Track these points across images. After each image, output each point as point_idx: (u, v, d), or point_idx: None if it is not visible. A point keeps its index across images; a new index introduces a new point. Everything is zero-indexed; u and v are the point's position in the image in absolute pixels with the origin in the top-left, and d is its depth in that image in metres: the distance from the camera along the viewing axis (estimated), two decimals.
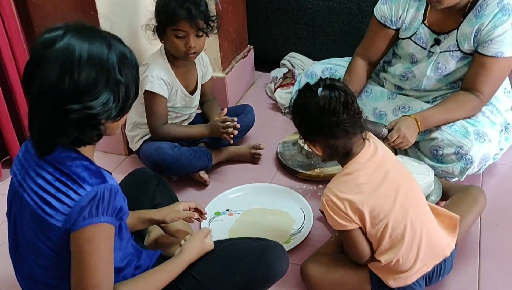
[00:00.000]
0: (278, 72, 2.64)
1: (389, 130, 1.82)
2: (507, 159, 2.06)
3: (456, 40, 1.87)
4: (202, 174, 2.01)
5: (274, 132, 2.34)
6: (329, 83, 1.32)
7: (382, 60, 2.20)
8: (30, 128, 1.06)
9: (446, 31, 1.90)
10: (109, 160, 2.19)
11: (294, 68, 2.64)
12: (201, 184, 2.02)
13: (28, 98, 1.05)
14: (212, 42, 2.29)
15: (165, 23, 1.84)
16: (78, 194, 1.02)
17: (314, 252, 1.58)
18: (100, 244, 1.05)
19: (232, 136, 1.92)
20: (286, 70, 2.62)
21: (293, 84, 2.49)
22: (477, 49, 1.83)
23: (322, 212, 1.80)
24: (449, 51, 1.90)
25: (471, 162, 1.82)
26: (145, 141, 2.01)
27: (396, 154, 2.07)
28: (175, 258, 1.27)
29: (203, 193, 1.99)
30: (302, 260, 1.54)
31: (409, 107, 2.04)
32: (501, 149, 1.96)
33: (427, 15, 1.92)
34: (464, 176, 1.87)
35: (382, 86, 2.20)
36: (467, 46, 1.85)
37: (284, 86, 2.52)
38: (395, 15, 1.98)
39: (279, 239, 1.64)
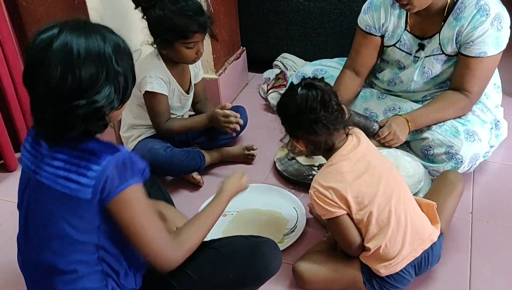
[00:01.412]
0: (270, 73, 2.65)
1: (380, 127, 1.83)
2: (497, 157, 2.08)
3: (439, 44, 1.89)
4: (195, 175, 2.02)
5: (267, 133, 2.34)
6: (308, 82, 1.39)
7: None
8: (36, 125, 1.09)
9: (428, 36, 1.92)
10: None
11: (287, 69, 2.66)
12: (195, 185, 2.03)
13: (30, 98, 1.07)
14: (204, 44, 2.28)
15: (175, 39, 1.84)
16: (99, 164, 1.05)
17: (306, 251, 1.59)
18: (138, 204, 1.10)
19: (233, 129, 1.95)
20: (279, 71, 2.64)
21: (285, 86, 2.51)
22: (460, 51, 1.84)
23: (310, 211, 1.82)
24: (434, 55, 1.92)
25: (461, 162, 1.84)
26: (139, 141, 2.03)
27: None
28: (216, 198, 1.36)
29: (197, 194, 2.00)
30: (294, 260, 1.56)
31: (399, 108, 2.06)
32: (491, 147, 1.98)
33: (408, 21, 1.94)
34: None
35: (372, 87, 2.22)
36: (450, 49, 1.87)
37: (276, 87, 2.53)
38: (377, 23, 1.99)
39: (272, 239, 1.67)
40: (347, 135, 1.43)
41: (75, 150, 1.08)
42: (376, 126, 1.84)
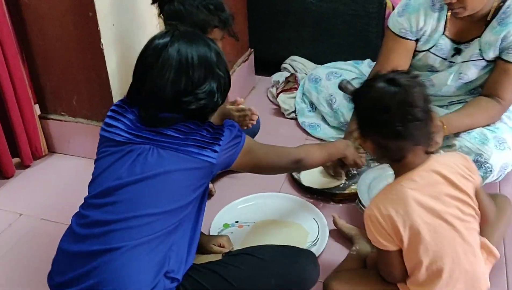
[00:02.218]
0: (279, 76, 2.55)
1: None
2: None
3: (479, 49, 1.80)
4: None
5: (279, 138, 2.23)
6: (392, 76, 1.19)
7: None
8: (146, 111, 1.22)
9: (467, 40, 1.82)
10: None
11: (296, 72, 2.55)
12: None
13: (137, 92, 1.24)
14: None
15: None
16: (222, 135, 1.23)
17: (336, 268, 1.48)
18: (256, 144, 1.39)
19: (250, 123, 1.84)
20: (288, 74, 2.54)
21: (296, 89, 2.41)
22: (501, 56, 1.76)
23: (334, 222, 1.71)
24: (472, 60, 1.82)
25: (491, 171, 1.74)
26: None
27: None
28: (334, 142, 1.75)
29: (210, 204, 1.85)
30: (321, 275, 1.44)
31: None
32: None
33: (447, 25, 1.84)
34: (483, 185, 1.80)
35: None
36: (492, 54, 1.78)
37: (287, 90, 2.43)
38: (415, 26, 1.85)
39: None
40: (427, 153, 1.23)
41: (197, 125, 1.23)
42: None
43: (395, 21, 1.89)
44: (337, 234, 1.71)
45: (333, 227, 1.72)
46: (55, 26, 1.88)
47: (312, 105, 2.31)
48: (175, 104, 1.20)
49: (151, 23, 1.96)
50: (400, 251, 1.24)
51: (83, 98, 2.02)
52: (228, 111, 1.85)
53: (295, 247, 1.41)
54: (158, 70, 1.19)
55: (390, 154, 1.23)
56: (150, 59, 1.21)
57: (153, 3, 1.73)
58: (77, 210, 1.26)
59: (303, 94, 2.34)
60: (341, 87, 1.71)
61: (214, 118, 1.89)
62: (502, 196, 1.59)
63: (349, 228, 1.67)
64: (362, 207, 1.65)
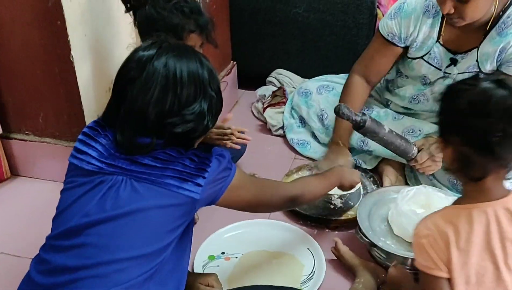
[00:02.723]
0: (265, 90, 2.40)
1: (418, 151, 1.61)
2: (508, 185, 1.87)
3: (477, 60, 1.69)
4: None
5: (267, 157, 2.10)
6: (502, 78, 1.03)
7: (385, 79, 2.00)
8: (122, 133, 1.07)
9: (463, 51, 1.71)
10: None
11: (283, 86, 2.40)
12: None
13: (117, 110, 1.09)
14: None
15: None
16: (209, 165, 1.08)
17: None
18: (246, 181, 1.23)
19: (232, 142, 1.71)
20: (275, 88, 2.39)
21: (284, 103, 2.26)
22: (501, 69, 1.65)
23: (334, 253, 1.56)
24: (469, 72, 1.71)
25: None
26: None
27: (406, 182, 1.87)
28: (326, 173, 1.49)
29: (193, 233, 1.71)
30: None
31: (419, 130, 1.84)
32: None
33: (442, 32, 1.73)
34: None
35: (386, 106, 2.00)
36: (489, 67, 1.67)
37: (274, 105, 2.28)
38: (404, 32, 1.77)
39: None
40: (506, 179, 1.09)
41: (180, 153, 1.09)
42: (415, 151, 1.62)
43: (385, 24, 1.80)
44: (336, 265, 1.56)
45: (330, 256, 1.57)
46: (19, 36, 1.70)
47: (301, 120, 2.16)
48: (158, 126, 1.06)
49: (127, 33, 1.80)
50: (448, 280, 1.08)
51: (50, 116, 1.84)
52: None
53: (289, 288, 1.30)
54: (141, 86, 1.05)
55: (470, 170, 1.05)
56: (132, 73, 1.07)
57: (127, 11, 1.57)
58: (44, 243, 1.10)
59: (292, 108, 2.20)
60: (339, 112, 1.54)
61: None
62: None
63: (352, 256, 1.52)
64: (363, 237, 1.50)
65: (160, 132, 1.06)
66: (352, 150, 1.97)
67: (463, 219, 1.06)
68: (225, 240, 1.65)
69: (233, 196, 1.16)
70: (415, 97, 1.86)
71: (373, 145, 1.89)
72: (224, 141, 1.72)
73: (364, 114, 1.58)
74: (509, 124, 0.98)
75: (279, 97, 2.30)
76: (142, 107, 1.05)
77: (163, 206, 1.04)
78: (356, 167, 1.91)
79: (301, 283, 1.48)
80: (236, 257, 1.58)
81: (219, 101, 1.14)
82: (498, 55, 1.64)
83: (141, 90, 1.05)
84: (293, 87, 2.36)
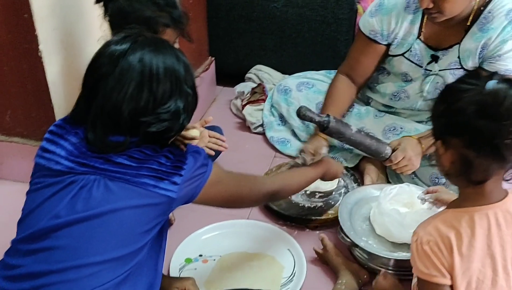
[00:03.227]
0: (244, 87, 2.34)
1: (393, 150, 1.58)
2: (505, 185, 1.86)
3: (458, 57, 1.66)
4: None
5: (245, 156, 2.04)
6: (505, 78, 0.98)
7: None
8: (94, 131, 1.01)
9: (445, 47, 1.69)
10: None
11: (262, 82, 2.36)
12: None
13: (88, 106, 1.03)
14: None
15: None
16: (185, 163, 1.04)
17: None
18: (224, 174, 1.17)
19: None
20: (254, 84, 2.33)
21: (263, 100, 2.21)
22: (483, 66, 1.63)
23: (317, 253, 1.52)
24: (450, 69, 1.69)
25: None
26: None
27: (388, 180, 1.84)
28: (312, 166, 1.49)
29: (169, 234, 1.61)
30: None
31: (401, 128, 1.81)
32: None
33: (423, 29, 1.70)
34: None
35: (367, 104, 1.97)
36: (471, 63, 1.65)
37: (253, 102, 2.23)
38: (386, 29, 1.74)
39: None
40: (505, 180, 1.03)
41: (155, 151, 1.04)
42: (388, 150, 1.58)
43: (366, 22, 1.77)
44: (316, 266, 1.53)
45: (311, 257, 1.53)
46: None
47: (281, 118, 2.12)
48: (132, 124, 1.01)
49: (100, 27, 1.72)
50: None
51: (18, 114, 1.76)
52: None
53: None
54: (115, 82, 1.00)
55: (471, 173, 1.01)
56: (104, 68, 1.01)
57: (96, 2, 1.50)
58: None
59: (272, 106, 2.15)
60: (300, 114, 1.51)
61: None
62: None
63: (336, 254, 1.48)
64: (345, 237, 1.46)
65: (134, 130, 1.02)
66: (333, 148, 1.94)
67: (464, 223, 1.03)
68: (203, 241, 1.60)
69: (211, 193, 1.12)
70: (396, 94, 1.83)
71: None
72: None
73: (328, 115, 1.54)
74: None
75: (258, 94, 2.25)
76: (116, 104, 1.00)
77: (138, 206, 1.00)
78: None
79: (281, 286, 1.44)
80: (214, 259, 1.53)
81: (195, 98, 1.10)
82: (480, 51, 1.62)
83: (114, 87, 1.00)
84: (273, 84, 2.32)
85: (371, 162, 1.87)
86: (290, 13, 2.32)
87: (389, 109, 1.89)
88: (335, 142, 1.89)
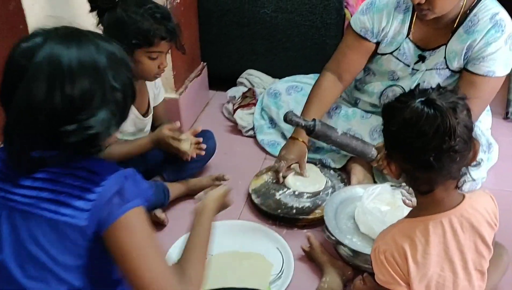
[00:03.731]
0: (236, 91, 2.40)
1: (378, 152, 1.65)
2: (488, 183, 1.91)
3: (445, 58, 1.73)
4: (159, 213, 1.73)
5: (237, 159, 2.10)
6: (432, 98, 1.02)
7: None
8: (10, 145, 0.91)
9: (432, 47, 1.75)
10: None
11: (253, 86, 2.42)
12: (158, 225, 1.73)
13: (6, 117, 0.91)
14: None
15: (139, 45, 1.57)
16: (99, 185, 0.89)
17: None
18: (142, 229, 0.92)
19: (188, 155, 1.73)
20: (245, 89, 2.40)
21: (254, 104, 2.27)
22: (467, 67, 1.69)
23: (304, 251, 1.58)
24: (436, 69, 1.75)
25: (461, 190, 1.65)
26: None
27: (374, 180, 1.90)
28: (198, 219, 1.15)
29: (162, 236, 1.70)
30: None
31: None
32: None
33: (412, 29, 1.76)
34: None
35: (355, 104, 2.03)
36: (456, 64, 1.71)
37: (244, 106, 2.29)
38: (377, 27, 1.80)
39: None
40: (457, 188, 1.09)
41: (69, 167, 0.91)
42: (374, 152, 1.66)
43: (357, 19, 1.83)
44: (304, 263, 1.58)
45: (299, 255, 1.59)
46: None
47: (271, 121, 2.18)
48: (50, 135, 0.87)
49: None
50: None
51: None
52: (164, 137, 1.71)
53: None
54: (26, 87, 0.85)
55: (417, 185, 1.08)
56: (15, 70, 0.87)
57: (91, 10, 1.56)
58: None
59: (262, 109, 2.21)
60: (286, 119, 1.58)
61: (145, 144, 1.73)
62: (498, 243, 1.41)
63: (321, 252, 1.54)
64: (330, 236, 1.52)
65: (54, 142, 0.88)
66: (321, 149, 2.00)
67: (418, 232, 1.08)
68: None
69: (114, 238, 0.89)
70: (383, 92, 1.88)
71: None
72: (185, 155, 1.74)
73: (314, 119, 1.60)
74: (441, 141, 0.99)
75: (249, 98, 2.31)
76: (29, 112, 0.86)
77: (46, 240, 0.89)
78: (325, 166, 1.94)
79: (270, 282, 1.50)
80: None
81: (128, 95, 0.94)
82: (465, 53, 1.68)
83: (25, 92, 0.86)
84: (263, 88, 2.38)
85: (357, 163, 1.92)
86: (279, 19, 2.38)
87: (376, 109, 1.94)
88: (323, 144, 1.96)
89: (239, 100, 2.33)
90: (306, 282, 1.51)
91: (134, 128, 1.80)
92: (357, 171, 1.90)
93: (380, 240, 1.11)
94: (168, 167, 1.84)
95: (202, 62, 2.48)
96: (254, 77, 2.46)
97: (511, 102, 2.37)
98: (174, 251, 1.60)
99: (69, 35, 0.89)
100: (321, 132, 1.63)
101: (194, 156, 1.77)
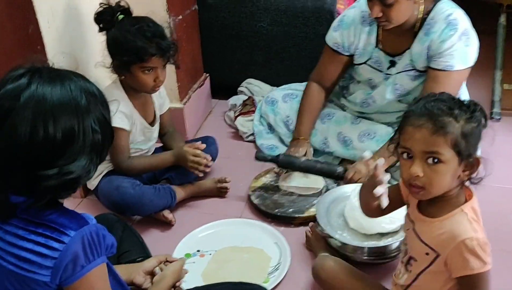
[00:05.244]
0: (236, 100, 2.56)
1: (345, 169, 1.87)
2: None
3: (411, 60, 1.90)
4: (167, 213, 1.89)
5: (238, 162, 2.26)
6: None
7: (340, 86, 2.21)
8: None
9: (399, 52, 1.93)
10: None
11: (253, 94, 2.58)
12: (166, 225, 1.89)
13: None
14: (168, 72, 2.17)
15: (132, 61, 1.73)
16: (62, 242, 0.90)
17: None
18: (100, 286, 0.97)
19: (202, 171, 1.87)
20: (245, 97, 2.55)
21: (253, 112, 2.43)
22: (429, 64, 1.86)
23: (307, 236, 1.74)
24: (405, 71, 1.93)
25: None
26: (103, 177, 1.88)
27: None
28: (158, 284, 1.29)
29: (169, 234, 1.87)
30: None
31: (374, 133, 2.02)
32: None
33: (379, 38, 1.94)
34: None
35: (343, 109, 2.19)
36: (421, 64, 1.89)
37: (245, 113, 2.44)
38: (347, 42, 1.99)
39: (257, 279, 1.58)
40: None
41: (33, 223, 0.92)
42: (341, 169, 1.89)
43: (330, 36, 2.03)
44: (299, 257, 1.72)
45: (295, 249, 1.74)
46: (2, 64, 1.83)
47: (270, 127, 2.33)
48: (29, 179, 0.87)
49: (101, 53, 1.93)
50: None
51: None
52: (185, 153, 1.87)
53: (247, 285, 1.36)
54: (8, 126, 0.86)
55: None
56: (1, 110, 0.87)
57: (100, 30, 1.73)
58: None
59: (261, 116, 2.37)
60: (257, 158, 1.96)
61: (168, 159, 1.89)
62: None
63: (317, 239, 1.70)
64: (322, 230, 1.67)
65: (31, 186, 0.87)
66: (315, 151, 2.16)
67: (474, 216, 1.14)
68: (200, 239, 1.80)
69: None
70: (365, 101, 2.07)
71: (333, 147, 2.10)
72: (198, 169, 1.89)
73: (278, 155, 1.95)
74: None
75: (249, 106, 2.47)
76: (11, 152, 0.86)
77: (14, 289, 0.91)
78: None
79: (268, 273, 1.65)
80: (210, 254, 1.74)
81: (107, 136, 0.95)
82: (427, 52, 1.85)
83: (9, 130, 0.86)
84: (262, 96, 2.53)
85: (350, 164, 2.08)
86: (275, 31, 2.54)
87: (362, 115, 2.11)
88: (317, 146, 2.14)
89: (239, 107, 2.49)
90: (301, 273, 1.66)
91: (143, 137, 1.95)
92: None
93: (473, 233, 1.10)
94: (175, 172, 1.99)
95: (204, 73, 2.64)
96: (254, 86, 2.62)
97: (495, 103, 2.51)
98: (182, 246, 1.76)
99: (53, 76, 0.90)
100: (284, 162, 1.95)
101: (207, 170, 1.93)
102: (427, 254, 1.17)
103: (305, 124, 2.09)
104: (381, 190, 1.16)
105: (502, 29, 2.59)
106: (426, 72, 1.88)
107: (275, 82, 2.57)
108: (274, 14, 2.50)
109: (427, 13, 1.83)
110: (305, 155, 2.02)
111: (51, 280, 0.90)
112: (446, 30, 1.80)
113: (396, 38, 1.89)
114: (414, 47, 1.88)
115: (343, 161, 2.11)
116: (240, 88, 2.66)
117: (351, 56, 2.02)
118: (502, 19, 2.61)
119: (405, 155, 1.12)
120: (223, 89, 2.72)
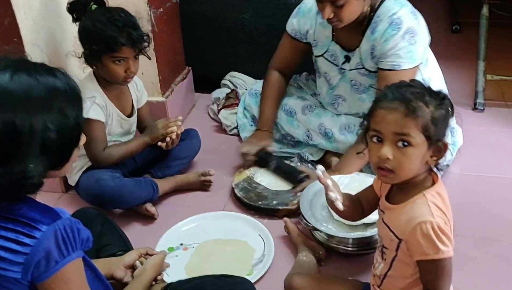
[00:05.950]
0: (220, 93, 2.54)
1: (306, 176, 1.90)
2: (455, 167, 2.06)
3: (360, 58, 1.90)
4: (149, 207, 1.86)
5: (221, 155, 2.23)
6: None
7: (310, 78, 2.24)
8: None
9: (353, 49, 1.93)
10: (43, 199, 1.95)
11: (236, 87, 2.56)
12: (149, 218, 1.87)
13: None
14: (149, 65, 2.16)
15: (102, 51, 1.70)
16: (33, 237, 0.87)
17: (290, 271, 1.53)
18: (76, 281, 0.94)
19: (173, 139, 1.85)
20: (229, 90, 2.53)
21: (237, 104, 2.41)
22: (378, 65, 1.86)
23: (287, 231, 1.72)
24: (357, 68, 1.93)
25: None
26: (84, 172, 1.85)
27: None
28: (139, 278, 1.27)
29: (152, 228, 1.84)
30: (271, 287, 1.48)
31: (354, 126, 2.02)
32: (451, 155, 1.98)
33: (334, 32, 1.94)
34: None
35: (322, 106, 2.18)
36: (369, 63, 1.88)
37: (228, 106, 2.42)
38: (303, 29, 2.01)
39: (241, 272, 1.57)
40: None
41: (3, 218, 0.89)
42: (301, 176, 1.91)
43: (289, 22, 2.06)
44: (283, 249, 1.72)
45: (279, 241, 1.73)
46: None
47: (253, 119, 2.31)
48: None
49: (73, 43, 1.88)
50: None
51: None
52: (154, 126, 1.89)
53: (230, 278, 1.34)
54: None
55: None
56: None
57: (74, 21, 1.71)
58: None
59: (245, 109, 2.35)
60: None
61: (141, 138, 1.86)
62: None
63: (297, 234, 1.70)
64: (307, 223, 1.66)
65: None
66: (299, 144, 2.15)
67: (439, 198, 1.16)
68: (183, 232, 1.78)
69: (51, 289, 0.91)
70: (334, 102, 2.07)
71: (316, 140, 2.09)
72: (169, 139, 1.86)
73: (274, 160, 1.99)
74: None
75: (232, 99, 2.45)
76: None
77: None
78: (303, 159, 2.08)
79: (252, 265, 1.63)
80: (193, 247, 1.72)
81: (69, 135, 0.91)
82: (371, 52, 1.85)
83: None
84: (245, 89, 2.51)
85: (335, 155, 2.07)
86: (258, 23, 2.52)
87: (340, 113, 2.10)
88: (300, 138, 2.13)
89: (223, 101, 2.47)
90: (286, 264, 1.64)
91: (121, 129, 1.93)
92: (334, 162, 2.04)
93: (429, 217, 1.09)
94: (157, 165, 1.97)
95: (187, 67, 2.61)
96: (237, 79, 2.60)
97: (478, 94, 2.52)
98: (165, 240, 1.74)
99: (13, 65, 0.87)
100: (261, 158, 2.02)
101: (179, 132, 1.90)
102: (391, 240, 1.18)
103: (267, 114, 2.12)
104: (333, 195, 1.23)
105: (485, 20, 2.59)
106: (378, 73, 1.87)
107: (259, 75, 2.53)
108: (257, 5, 2.48)
109: (374, 11, 1.82)
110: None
111: (22, 277, 0.88)
112: (389, 30, 1.79)
113: (348, 34, 1.89)
114: (362, 45, 1.88)
115: (328, 153, 2.10)
116: (223, 81, 2.64)
117: (309, 45, 2.03)
118: (485, 10, 2.60)
119: (375, 139, 1.13)
120: (206, 82, 2.69)
